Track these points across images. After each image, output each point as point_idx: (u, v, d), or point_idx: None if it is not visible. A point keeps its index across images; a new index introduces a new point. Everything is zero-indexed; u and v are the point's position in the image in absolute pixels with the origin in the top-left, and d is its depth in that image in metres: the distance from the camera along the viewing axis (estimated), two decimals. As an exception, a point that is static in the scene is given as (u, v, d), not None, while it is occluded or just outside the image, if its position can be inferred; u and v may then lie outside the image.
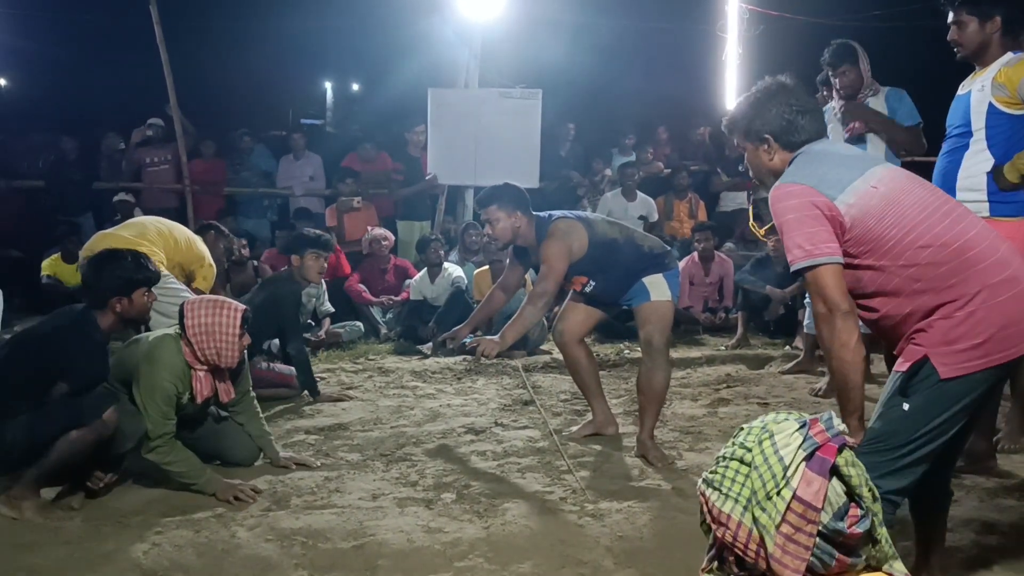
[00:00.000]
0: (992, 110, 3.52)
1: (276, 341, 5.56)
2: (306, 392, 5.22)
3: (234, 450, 3.94)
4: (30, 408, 3.29)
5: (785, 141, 2.43)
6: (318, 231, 5.70)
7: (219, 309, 3.62)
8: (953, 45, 3.64)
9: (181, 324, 3.60)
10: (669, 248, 4.36)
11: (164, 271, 5.03)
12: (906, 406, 2.20)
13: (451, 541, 3.06)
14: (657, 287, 4.07)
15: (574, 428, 4.51)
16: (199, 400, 3.66)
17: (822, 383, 5.31)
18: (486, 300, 4.48)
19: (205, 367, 3.62)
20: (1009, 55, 3.52)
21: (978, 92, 3.56)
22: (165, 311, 4.84)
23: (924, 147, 4.74)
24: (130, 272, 3.52)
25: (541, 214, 4.16)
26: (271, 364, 5.37)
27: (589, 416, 4.51)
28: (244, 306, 3.72)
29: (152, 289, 3.62)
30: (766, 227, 2.51)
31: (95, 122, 10.21)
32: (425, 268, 7.21)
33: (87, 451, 3.32)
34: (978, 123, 3.56)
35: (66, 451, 3.27)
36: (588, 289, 4.17)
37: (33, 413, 3.28)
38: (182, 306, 3.67)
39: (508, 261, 4.45)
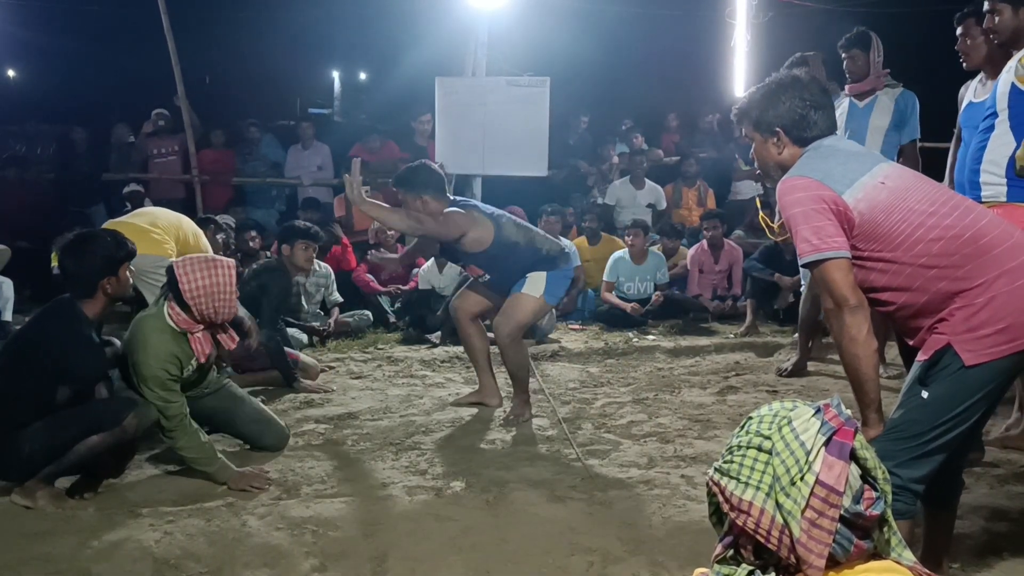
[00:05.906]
0: (1014, 91, 3.40)
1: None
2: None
3: (265, 435, 4.02)
4: (41, 415, 3.29)
5: (796, 136, 2.40)
6: (307, 223, 5.74)
7: (213, 268, 3.58)
8: (988, 33, 3.63)
9: (174, 288, 3.55)
10: (566, 250, 4.55)
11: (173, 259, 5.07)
12: (925, 394, 2.19)
13: (461, 529, 3.08)
14: (533, 283, 4.38)
15: (459, 395, 4.94)
16: (203, 360, 3.67)
17: (788, 362, 5.53)
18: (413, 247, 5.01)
19: (201, 325, 3.63)
20: None
21: (1006, 74, 3.48)
22: None
23: (919, 163, 4.76)
24: (112, 249, 3.45)
25: (459, 199, 4.56)
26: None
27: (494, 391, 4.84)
28: (233, 260, 3.74)
29: (132, 265, 3.55)
30: (778, 223, 2.48)
31: (104, 113, 10.23)
32: (433, 257, 7.20)
33: (105, 452, 3.37)
34: (1002, 104, 3.45)
35: (85, 454, 3.32)
36: (483, 280, 4.50)
37: (50, 420, 3.28)
38: (170, 269, 3.60)
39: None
